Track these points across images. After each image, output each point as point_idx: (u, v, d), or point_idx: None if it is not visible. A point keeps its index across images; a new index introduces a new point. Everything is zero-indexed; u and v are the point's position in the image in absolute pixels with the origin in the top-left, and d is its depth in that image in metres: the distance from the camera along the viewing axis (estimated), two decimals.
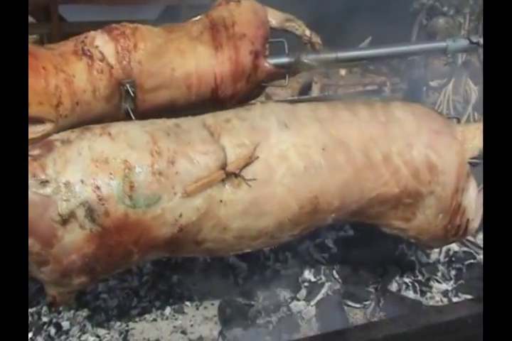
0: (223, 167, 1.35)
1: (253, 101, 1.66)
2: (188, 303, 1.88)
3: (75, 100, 1.53)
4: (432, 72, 3.06)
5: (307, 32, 1.94)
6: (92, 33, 1.62)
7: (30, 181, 1.22)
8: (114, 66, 1.59)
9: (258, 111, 1.48)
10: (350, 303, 1.89)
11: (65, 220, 1.24)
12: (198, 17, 1.80)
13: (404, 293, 1.92)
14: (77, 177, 1.23)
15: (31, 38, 5.54)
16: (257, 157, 1.38)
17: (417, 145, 1.53)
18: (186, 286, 1.93)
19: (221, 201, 1.37)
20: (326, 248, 2.09)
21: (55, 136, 1.33)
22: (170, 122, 1.40)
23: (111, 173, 1.24)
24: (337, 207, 1.51)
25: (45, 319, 1.76)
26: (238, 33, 1.76)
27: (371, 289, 1.94)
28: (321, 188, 1.45)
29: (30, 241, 1.25)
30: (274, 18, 1.86)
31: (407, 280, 1.96)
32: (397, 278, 1.97)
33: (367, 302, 1.89)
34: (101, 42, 1.58)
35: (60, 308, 1.79)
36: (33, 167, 1.23)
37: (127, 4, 4.50)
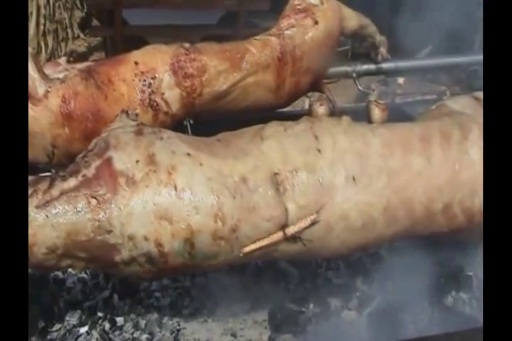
0: (283, 227, 1.35)
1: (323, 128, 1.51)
2: (238, 306, 1.89)
3: None
4: None
5: (377, 42, 1.90)
6: (160, 68, 1.58)
7: (95, 227, 1.24)
8: (177, 112, 1.61)
9: (328, 157, 1.40)
10: (403, 316, 1.85)
11: (127, 263, 1.30)
12: (269, 36, 1.69)
13: (460, 308, 1.87)
14: (140, 232, 1.25)
15: (95, 40, 5.73)
16: (319, 220, 1.37)
17: (481, 192, 1.48)
18: (237, 289, 1.93)
19: (275, 250, 1.40)
20: (380, 258, 2.06)
21: (120, 165, 1.27)
22: (237, 175, 1.33)
23: (173, 234, 1.26)
24: (386, 244, 1.60)
25: (100, 314, 1.80)
26: (304, 67, 1.70)
27: (426, 303, 1.89)
28: (374, 238, 1.48)
29: (93, 266, 1.34)
30: (349, 24, 1.80)
31: (464, 295, 1.91)
32: (454, 292, 1.92)
33: (421, 316, 1.85)
34: (167, 87, 1.58)
35: (115, 304, 1.84)
36: (98, 214, 1.24)
37: (189, 9, 4.59)
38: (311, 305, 1.88)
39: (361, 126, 1.51)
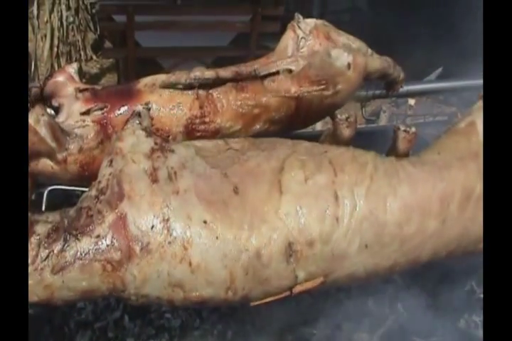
0: (290, 288, 1.37)
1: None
2: (249, 328, 1.88)
3: None
4: None
5: (395, 80, 1.90)
6: (174, 128, 1.57)
7: (110, 288, 1.27)
8: None
9: (345, 227, 1.38)
10: (415, 338, 1.84)
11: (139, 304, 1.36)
12: (288, 98, 1.64)
13: (472, 331, 1.85)
14: (153, 294, 1.30)
15: (108, 61, 5.83)
16: (326, 281, 1.39)
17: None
18: (248, 310, 1.93)
19: None
20: (391, 279, 2.05)
21: (134, 230, 1.27)
22: (252, 250, 1.33)
23: (185, 298, 1.31)
24: None
25: (111, 335, 1.80)
26: (316, 117, 1.74)
27: (438, 325, 1.88)
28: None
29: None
30: (372, 75, 1.77)
31: (476, 318, 1.89)
32: (466, 315, 1.90)
33: (433, 339, 1.83)
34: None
35: (125, 325, 1.84)
36: (112, 278, 1.27)
37: (201, 31, 4.67)
38: (322, 327, 1.86)
39: (385, 180, 1.46)
